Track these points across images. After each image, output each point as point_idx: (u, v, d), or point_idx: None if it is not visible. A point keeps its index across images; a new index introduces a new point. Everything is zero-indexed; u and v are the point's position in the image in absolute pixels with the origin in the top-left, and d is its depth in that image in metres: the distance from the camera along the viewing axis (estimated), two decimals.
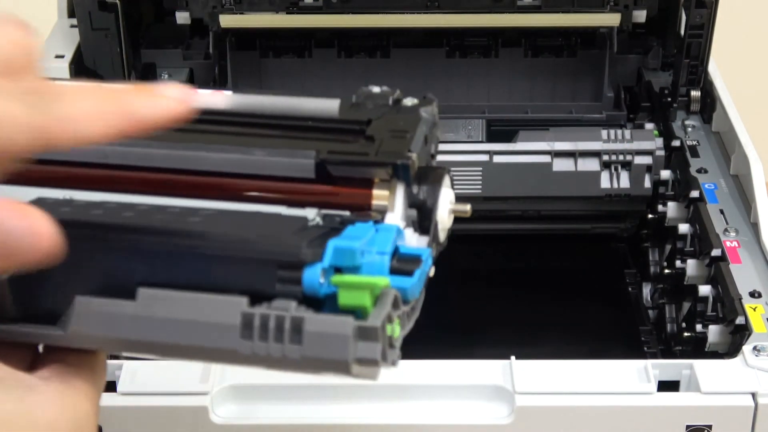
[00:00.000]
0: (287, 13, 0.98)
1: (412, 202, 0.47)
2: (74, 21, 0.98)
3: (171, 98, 0.38)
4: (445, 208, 0.48)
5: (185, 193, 0.47)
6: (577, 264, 1.03)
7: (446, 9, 0.98)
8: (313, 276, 0.41)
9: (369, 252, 0.42)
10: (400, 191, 0.46)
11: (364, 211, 0.46)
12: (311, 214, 0.46)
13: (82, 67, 0.97)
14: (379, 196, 0.46)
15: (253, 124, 0.49)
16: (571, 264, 1.03)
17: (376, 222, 0.45)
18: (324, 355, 0.39)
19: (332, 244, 0.41)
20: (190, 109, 0.39)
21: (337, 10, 0.97)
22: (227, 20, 0.98)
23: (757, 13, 1.49)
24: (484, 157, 0.95)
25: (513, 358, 0.69)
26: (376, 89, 0.51)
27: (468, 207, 0.49)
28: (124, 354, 0.44)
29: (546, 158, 0.95)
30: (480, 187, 0.95)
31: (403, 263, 0.43)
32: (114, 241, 0.43)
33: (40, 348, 0.44)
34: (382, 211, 0.46)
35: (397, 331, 0.41)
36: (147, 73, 1.03)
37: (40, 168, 0.48)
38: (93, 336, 0.41)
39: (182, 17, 1.03)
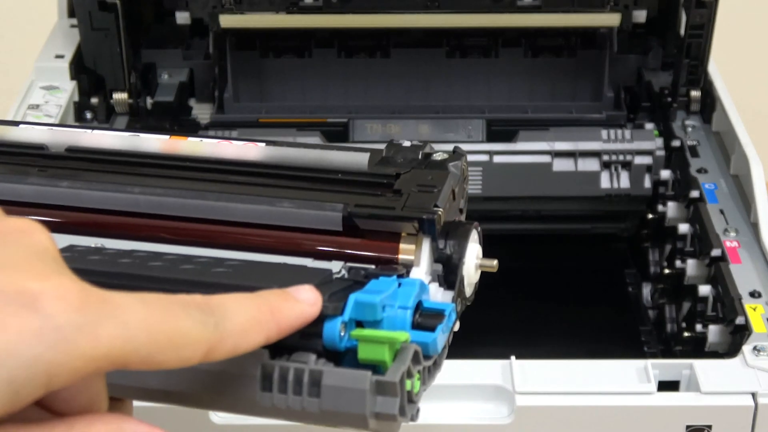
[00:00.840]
0: (287, 13, 0.98)
1: (438, 256, 0.47)
2: (74, 21, 0.98)
3: (306, 302, 0.40)
4: (472, 263, 0.48)
5: (214, 243, 0.48)
6: (577, 264, 1.03)
7: (446, 9, 0.98)
8: (333, 329, 0.41)
9: (391, 306, 0.42)
10: (426, 246, 0.47)
11: (390, 264, 0.46)
12: (337, 267, 0.46)
13: (82, 67, 0.98)
14: (405, 250, 0.46)
15: (283, 176, 0.50)
16: (571, 264, 1.03)
17: (401, 276, 0.45)
18: (342, 409, 0.39)
19: (353, 297, 0.41)
20: (319, 310, 0.40)
21: (337, 10, 0.97)
22: (227, 20, 0.98)
23: (757, 13, 1.49)
24: (484, 157, 0.95)
25: (513, 358, 0.69)
26: (406, 143, 0.51)
27: (495, 262, 0.49)
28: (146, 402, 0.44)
29: (546, 158, 0.95)
30: (480, 187, 0.95)
31: (425, 318, 0.44)
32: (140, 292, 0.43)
33: None
34: (408, 266, 0.46)
35: (417, 386, 0.42)
36: (147, 73, 1.03)
37: (75, 215, 0.49)
38: (115, 384, 0.40)
39: (182, 17, 1.03)
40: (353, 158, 0.50)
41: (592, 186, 0.96)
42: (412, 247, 0.46)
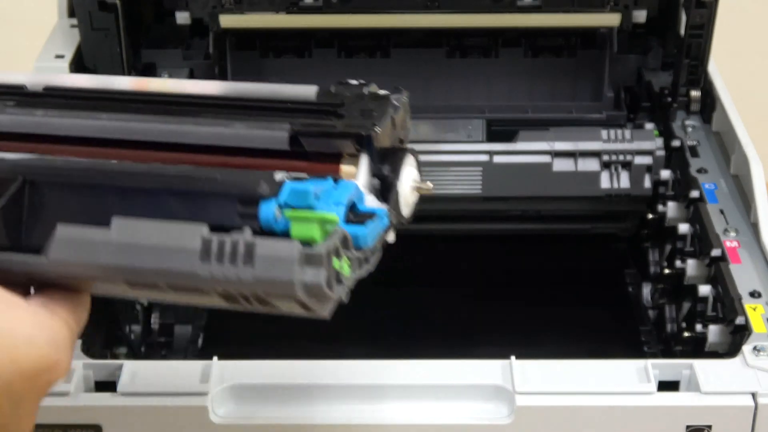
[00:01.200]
0: (287, 13, 0.98)
1: (375, 173, 0.52)
2: (74, 21, 0.98)
3: None
4: (408, 184, 0.53)
5: (168, 162, 0.53)
6: (577, 264, 1.03)
7: (446, 9, 0.98)
8: (269, 210, 0.46)
9: (326, 202, 0.47)
10: (364, 160, 0.52)
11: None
12: (280, 175, 0.50)
13: (82, 67, 0.98)
14: (346, 171, 0.51)
15: (237, 105, 0.55)
16: (571, 264, 1.03)
17: (337, 181, 0.50)
18: (272, 276, 0.43)
19: (289, 185, 0.47)
20: None
21: (337, 10, 0.97)
22: (227, 20, 0.98)
23: (757, 13, 1.49)
24: (484, 157, 0.95)
25: (513, 358, 0.69)
26: (353, 82, 0.56)
27: (430, 184, 0.54)
28: (100, 289, 0.49)
29: (546, 158, 0.95)
30: (480, 187, 0.95)
31: (358, 216, 0.49)
32: (96, 179, 0.48)
33: (32, 291, 0.48)
34: None
35: (346, 268, 0.46)
36: (147, 73, 1.03)
37: (48, 145, 0.54)
38: (71, 262, 0.45)
39: (182, 17, 1.03)
40: (303, 91, 0.55)
41: (592, 186, 0.96)
42: (353, 168, 0.51)
